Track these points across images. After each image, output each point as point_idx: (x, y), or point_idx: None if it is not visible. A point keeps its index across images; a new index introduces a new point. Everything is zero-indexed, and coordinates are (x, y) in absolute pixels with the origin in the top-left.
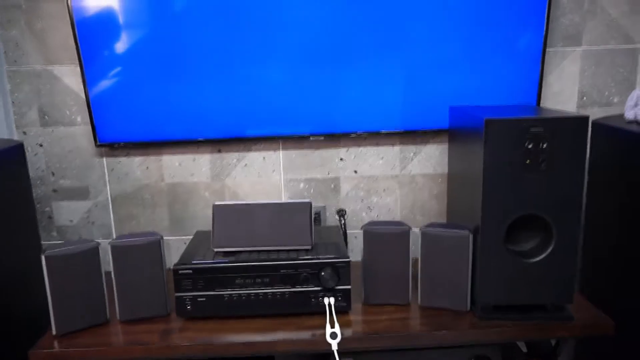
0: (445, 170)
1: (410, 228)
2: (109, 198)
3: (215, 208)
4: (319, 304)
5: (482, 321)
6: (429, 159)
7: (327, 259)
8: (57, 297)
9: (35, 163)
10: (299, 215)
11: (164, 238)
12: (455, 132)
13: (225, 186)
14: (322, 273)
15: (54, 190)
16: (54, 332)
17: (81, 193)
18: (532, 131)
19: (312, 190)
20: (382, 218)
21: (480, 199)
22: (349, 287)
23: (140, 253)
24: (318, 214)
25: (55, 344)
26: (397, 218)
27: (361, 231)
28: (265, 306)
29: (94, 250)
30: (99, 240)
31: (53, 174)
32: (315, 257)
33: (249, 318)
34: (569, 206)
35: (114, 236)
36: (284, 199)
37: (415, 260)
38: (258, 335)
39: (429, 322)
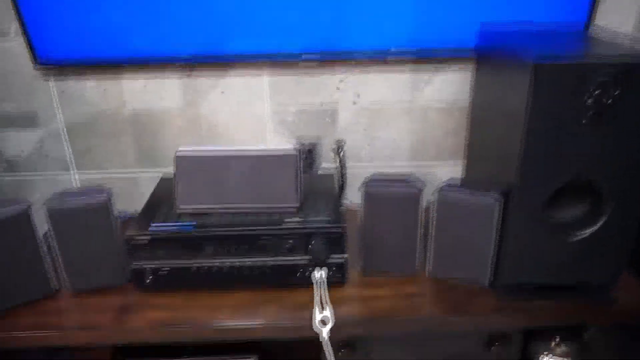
0: (466, 103)
1: (422, 189)
2: (62, 127)
3: (179, 159)
4: (307, 277)
5: (504, 301)
6: (447, 87)
7: (318, 226)
8: None
9: None
10: (284, 168)
11: (135, 174)
12: (486, 58)
13: (201, 116)
14: (312, 244)
15: None
16: None
17: (29, 120)
18: (596, 80)
19: (302, 125)
20: (386, 154)
21: (519, 156)
22: (344, 257)
23: (85, 217)
24: (310, 152)
25: None
26: (405, 156)
27: (362, 166)
28: (241, 280)
29: (24, 216)
30: (56, 172)
31: None
32: (303, 222)
33: (222, 292)
34: (634, 174)
35: (73, 170)
36: (269, 132)
37: (424, 222)
38: (234, 317)
39: (441, 301)
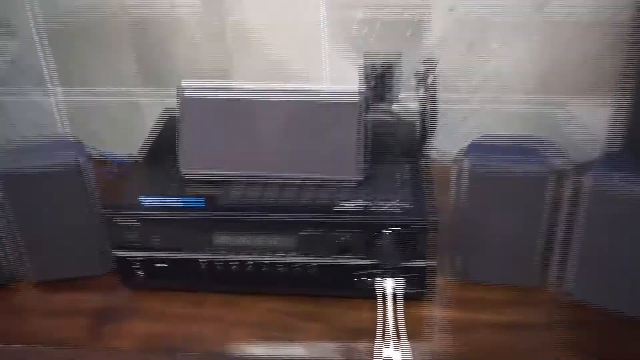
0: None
1: (559, 166)
2: (38, 32)
3: (185, 100)
4: (368, 287)
5: None
6: None
7: (391, 216)
8: None
9: None
10: (341, 122)
11: (136, 95)
12: None
13: (227, 25)
14: (380, 241)
15: None
16: None
17: None
18: None
19: (373, 39)
20: (496, 85)
21: None
22: (429, 263)
23: (49, 183)
24: (382, 78)
25: None
26: (523, 89)
27: (459, 100)
28: (271, 284)
29: None
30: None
31: None
32: (367, 206)
33: (242, 299)
34: None
35: (53, 87)
36: (324, 49)
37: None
38: (257, 339)
39: (588, 341)
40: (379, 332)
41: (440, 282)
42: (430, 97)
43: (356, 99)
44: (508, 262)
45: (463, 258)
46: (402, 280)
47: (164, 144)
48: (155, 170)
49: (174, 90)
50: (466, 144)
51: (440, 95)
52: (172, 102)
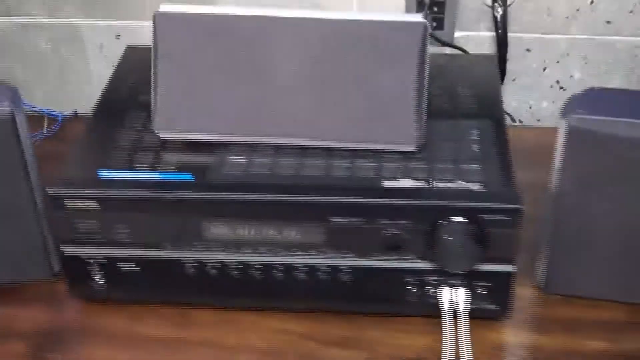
0: None
1: None
2: None
3: (162, 24)
4: (425, 301)
5: None
6: None
7: (463, 200)
8: None
9: None
10: (391, 60)
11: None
12: None
13: None
14: (445, 237)
15: None
16: None
17: None
18: None
19: None
20: (597, 16)
21: None
22: (510, 268)
23: None
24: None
25: None
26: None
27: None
28: (288, 294)
29: None
30: None
31: None
32: (429, 188)
33: (244, 314)
34: None
35: None
36: None
37: None
38: None
39: None
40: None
41: (519, 294)
42: (502, 31)
43: (420, 20)
44: (622, 269)
45: (552, 263)
46: (468, 292)
47: (129, 95)
48: (117, 133)
49: (132, 23)
50: (563, 101)
51: (513, 28)
52: (133, 39)
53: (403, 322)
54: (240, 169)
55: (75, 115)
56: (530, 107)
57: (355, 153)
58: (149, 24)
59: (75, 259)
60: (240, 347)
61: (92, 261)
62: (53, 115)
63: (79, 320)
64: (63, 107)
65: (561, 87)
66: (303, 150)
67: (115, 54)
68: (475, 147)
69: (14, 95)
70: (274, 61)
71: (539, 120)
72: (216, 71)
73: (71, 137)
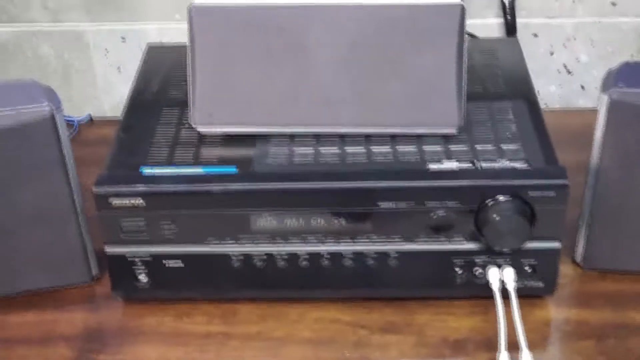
0: None
1: None
2: None
3: (198, 16)
4: (472, 282)
5: None
6: None
7: (510, 179)
8: None
9: None
10: (433, 37)
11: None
12: None
13: None
14: (496, 215)
15: None
16: None
17: None
18: None
19: None
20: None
21: None
22: (557, 245)
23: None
24: None
25: None
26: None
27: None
28: (335, 284)
29: None
30: None
31: None
32: (474, 169)
33: (293, 306)
34: None
35: None
36: None
37: None
38: None
39: None
40: (502, 342)
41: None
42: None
43: (456, 0)
44: None
45: (591, 239)
46: (515, 271)
47: (158, 93)
48: (153, 130)
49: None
50: (570, 85)
51: (521, 14)
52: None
53: (449, 305)
54: (283, 159)
55: (91, 120)
56: (538, 92)
57: (395, 139)
58: (153, 26)
59: (119, 258)
60: (288, 338)
61: (136, 260)
62: (69, 120)
63: (123, 321)
64: (70, 113)
65: (568, 71)
66: (343, 138)
67: (121, 57)
68: (514, 127)
69: (52, 96)
70: (311, 50)
71: (546, 104)
72: (253, 62)
73: (91, 141)
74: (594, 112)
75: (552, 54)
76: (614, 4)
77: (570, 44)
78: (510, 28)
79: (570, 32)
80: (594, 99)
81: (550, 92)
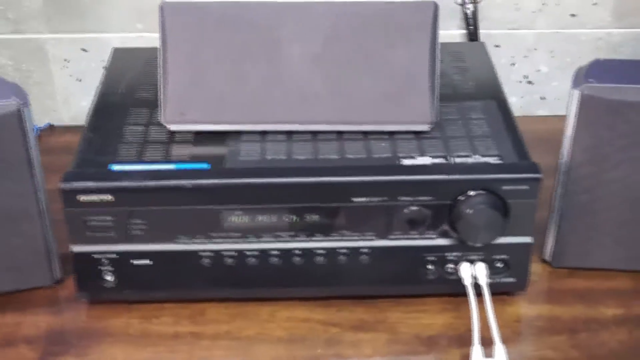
0: None
1: None
2: None
3: (169, 11)
4: (444, 278)
5: None
6: None
7: (483, 173)
8: None
9: None
10: (406, 34)
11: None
12: None
13: None
14: (467, 209)
15: None
16: None
17: None
18: None
19: None
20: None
21: None
22: (529, 240)
23: None
24: None
25: None
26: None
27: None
28: (307, 282)
29: None
30: None
31: None
32: (448, 164)
33: (262, 306)
34: None
35: None
36: None
37: None
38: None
39: None
40: (475, 336)
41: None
42: (472, 27)
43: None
44: (630, 238)
45: (560, 236)
46: (487, 266)
47: (125, 94)
48: (122, 129)
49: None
50: (531, 95)
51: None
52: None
53: (421, 303)
54: (255, 156)
55: (51, 126)
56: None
57: (367, 135)
58: (116, 35)
59: (85, 256)
60: (260, 337)
61: (103, 259)
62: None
63: (88, 323)
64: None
65: (529, 82)
66: (315, 135)
67: (81, 68)
68: (485, 125)
69: (19, 92)
70: (284, 46)
71: None
72: (225, 59)
73: (53, 149)
74: (557, 118)
75: (513, 64)
76: (573, 15)
77: (532, 55)
78: (473, 38)
79: (532, 43)
80: (553, 110)
81: (511, 103)
